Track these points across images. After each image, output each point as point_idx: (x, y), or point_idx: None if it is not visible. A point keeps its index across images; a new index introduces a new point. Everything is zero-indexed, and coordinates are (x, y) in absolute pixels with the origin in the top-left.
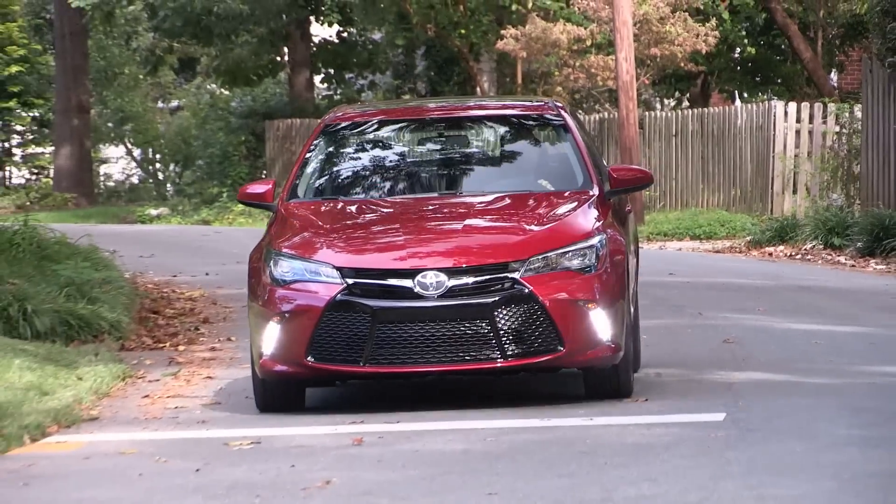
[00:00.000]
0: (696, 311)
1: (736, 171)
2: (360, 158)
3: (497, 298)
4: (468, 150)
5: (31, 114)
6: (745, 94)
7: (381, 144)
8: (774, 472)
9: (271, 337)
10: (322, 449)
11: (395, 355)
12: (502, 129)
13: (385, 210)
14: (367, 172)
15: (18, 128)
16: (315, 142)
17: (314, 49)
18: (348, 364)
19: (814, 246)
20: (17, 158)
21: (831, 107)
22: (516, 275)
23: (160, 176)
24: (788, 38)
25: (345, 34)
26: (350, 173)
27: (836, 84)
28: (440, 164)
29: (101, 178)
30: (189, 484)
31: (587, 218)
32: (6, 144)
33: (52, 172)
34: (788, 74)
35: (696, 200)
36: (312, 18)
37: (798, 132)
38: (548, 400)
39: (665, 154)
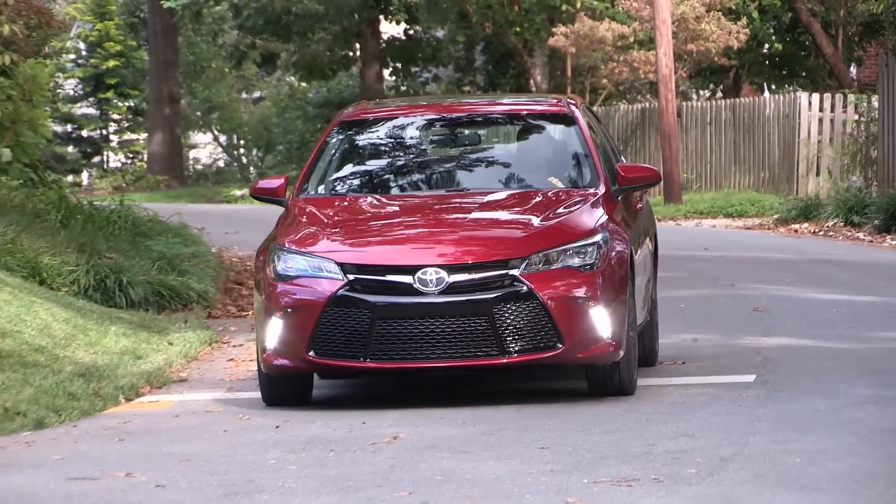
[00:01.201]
0: (729, 282)
1: (764, 156)
2: (371, 155)
3: (497, 295)
4: (478, 148)
5: (126, 104)
6: (773, 86)
7: (392, 141)
8: (800, 428)
9: (274, 331)
10: (391, 407)
11: (395, 351)
12: (514, 127)
13: (392, 207)
14: (378, 169)
15: (115, 116)
16: (328, 138)
17: (383, 45)
18: (349, 359)
19: (835, 223)
20: (114, 144)
21: (851, 97)
22: (516, 272)
23: (244, 160)
24: (812, 36)
25: (411, 31)
26: (360, 170)
27: (855, 77)
28: (450, 161)
29: (190, 162)
30: (269, 439)
31: (590, 216)
32: (104, 131)
33: (145, 157)
34: (812, 68)
35: (729, 182)
36: (382, 17)
37: (821, 120)
38: None
39: (700, 140)
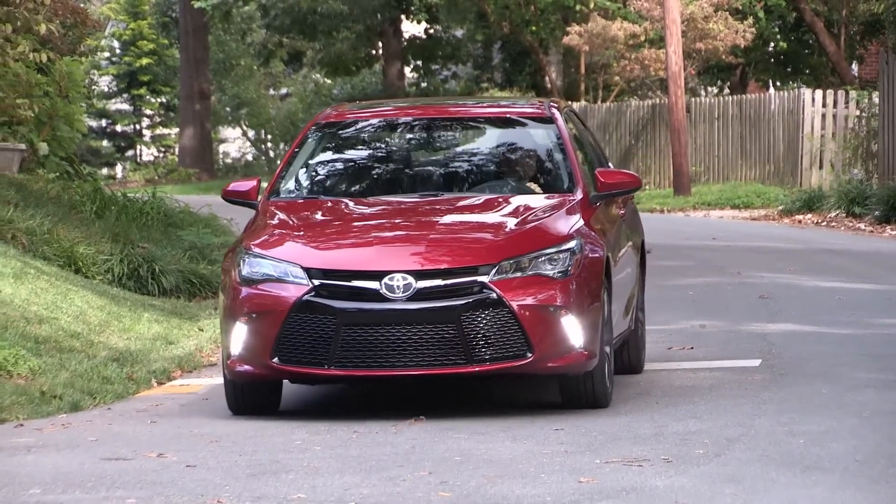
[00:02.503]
0: (736, 270)
1: (770, 150)
2: (345, 158)
3: (465, 302)
4: (455, 152)
5: (159, 100)
6: (778, 83)
7: (367, 144)
8: (803, 410)
9: (238, 337)
10: (414, 392)
11: (360, 359)
12: (493, 131)
13: (362, 210)
14: (351, 172)
15: (148, 112)
16: (303, 140)
17: (405, 44)
18: (314, 367)
19: (837, 214)
20: (147, 139)
21: (853, 94)
22: (485, 279)
23: (271, 154)
24: (815, 34)
25: (431, 31)
26: (334, 173)
27: (856, 74)
28: (426, 164)
29: (220, 156)
30: (295, 422)
31: (565, 222)
32: (138, 126)
33: (177, 150)
34: (815, 66)
35: (736, 175)
36: (403, 17)
37: (824, 116)
38: None
39: (708, 134)
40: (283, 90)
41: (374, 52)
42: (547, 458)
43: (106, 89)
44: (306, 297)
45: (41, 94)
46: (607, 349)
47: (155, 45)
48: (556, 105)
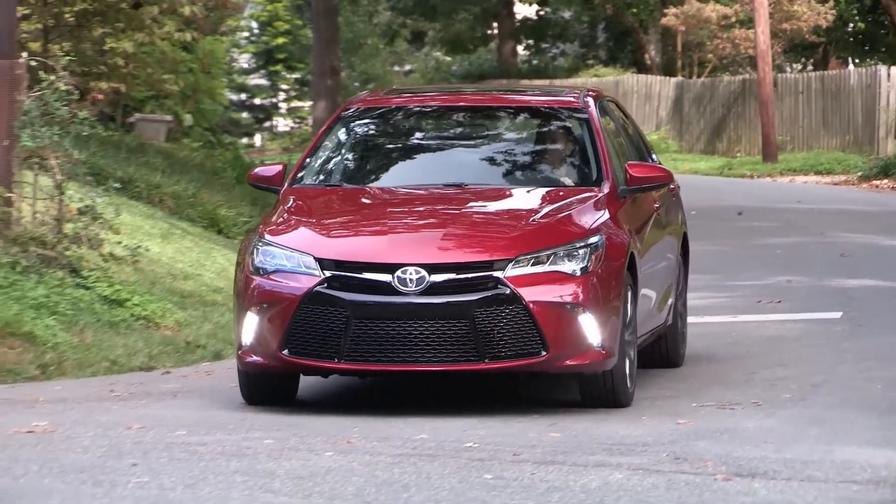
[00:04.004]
0: (819, 231)
1: (849, 121)
2: (371, 146)
3: (479, 298)
4: (483, 142)
5: (293, 76)
6: (857, 60)
7: (394, 133)
8: (881, 358)
9: (250, 327)
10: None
11: (370, 352)
12: (523, 122)
13: (381, 200)
14: (376, 160)
15: (284, 87)
16: (331, 127)
17: (517, 24)
18: (323, 359)
19: None
20: (282, 111)
21: None
22: (500, 274)
23: None
24: (890, 16)
25: (542, 12)
26: (358, 161)
27: None
28: (453, 155)
29: None
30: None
31: (589, 216)
32: (274, 100)
33: (310, 122)
34: (891, 44)
35: (818, 144)
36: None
37: None
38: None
39: (793, 107)
40: (407, 67)
41: (489, 31)
42: (648, 402)
43: (245, 66)
44: (317, 288)
45: (186, 70)
46: (629, 348)
47: (290, 25)
48: (593, 95)
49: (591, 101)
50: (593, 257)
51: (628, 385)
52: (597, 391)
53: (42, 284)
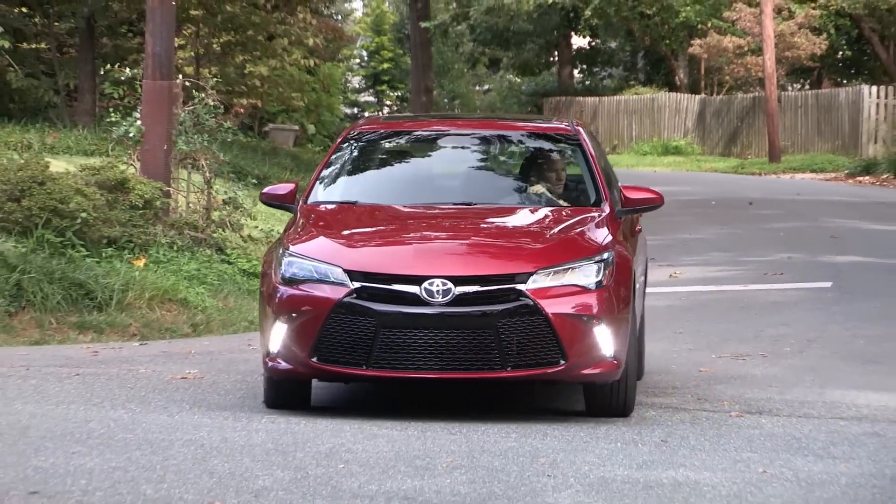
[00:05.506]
0: (814, 217)
1: (838, 130)
2: (380, 167)
3: (502, 309)
4: (486, 164)
5: (395, 94)
6: (845, 81)
7: (402, 155)
8: (864, 319)
9: (278, 336)
10: None
11: (398, 360)
12: (522, 147)
13: (399, 217)
14: (387, 180)
15: (388, 103)
16: (340, 147)
17: (574, 52)
18: (352, 367)
19: (887, 176)
20: None
21: None
22: (522, 287)
23: None
24: (872, 46)
25: (593, 43)
26: (370, 180)
27: None
28: (458, 176)
29: None
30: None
31: (597, 234)
32: (380, 113)
33: None
34: (872, 69)
35: (814, 148)
36: (573, 33)
37: (878, 105)
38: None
39: (794, 119)
40: (486, 87)
41: (551, 58)
42: (676, 354)
43: (357, 86)
44: (347, 298)
45: (309, 89)
46: (633, 356)
47: (392, 53)
48: (580, 124)
49: (581, 128)
50: (607, 272)
51: (633, 393)
52: (605, 401)
53: (194, 260)
